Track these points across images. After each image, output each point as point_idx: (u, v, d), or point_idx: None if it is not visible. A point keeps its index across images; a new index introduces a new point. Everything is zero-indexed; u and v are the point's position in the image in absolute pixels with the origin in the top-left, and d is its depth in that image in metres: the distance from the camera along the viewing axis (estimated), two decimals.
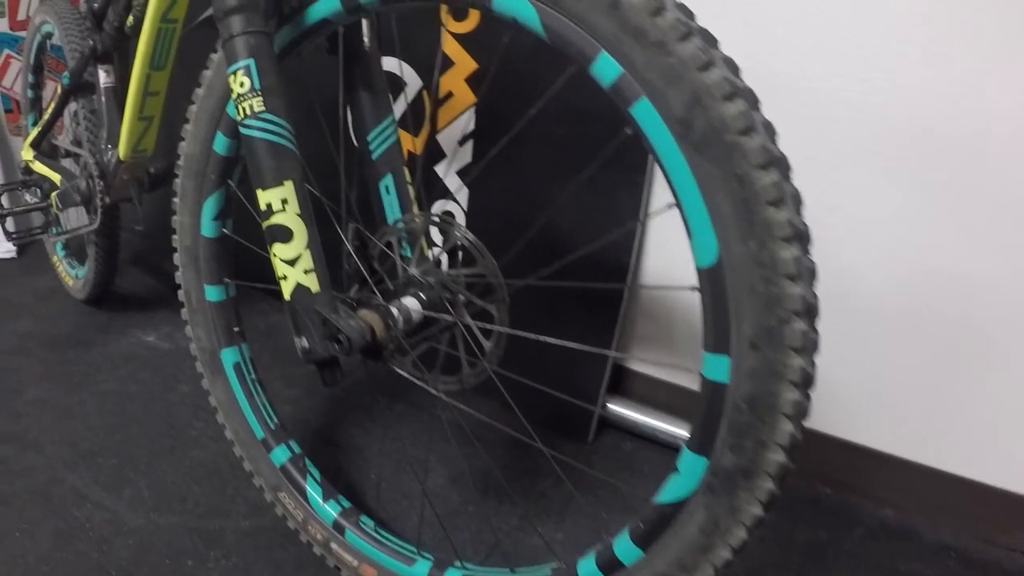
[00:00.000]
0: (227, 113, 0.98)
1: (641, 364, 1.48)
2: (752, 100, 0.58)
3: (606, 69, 0.63)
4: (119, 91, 1.49)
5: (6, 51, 2.29)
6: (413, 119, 1.48)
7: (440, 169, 1.48)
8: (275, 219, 0.82)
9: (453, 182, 1.48)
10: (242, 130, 0.83)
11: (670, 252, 1.37)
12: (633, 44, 0.61)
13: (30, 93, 2.01)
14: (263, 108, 0.81)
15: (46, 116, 1.70)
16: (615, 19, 0.61)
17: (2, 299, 2.01)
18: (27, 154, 1.80)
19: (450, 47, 1.38)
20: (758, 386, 0.60)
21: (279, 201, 0.82)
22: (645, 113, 0.62)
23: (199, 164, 1.04)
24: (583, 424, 1.43)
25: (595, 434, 1.45)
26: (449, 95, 1.41)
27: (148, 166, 1.47)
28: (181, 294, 1.14)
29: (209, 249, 1.08)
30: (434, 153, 1.47)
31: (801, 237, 0.58)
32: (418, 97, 1.46)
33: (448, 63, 1.39)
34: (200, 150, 1.03)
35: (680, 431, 1.40)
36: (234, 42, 0.82)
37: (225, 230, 1.08)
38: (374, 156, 0.97)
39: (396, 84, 1.46)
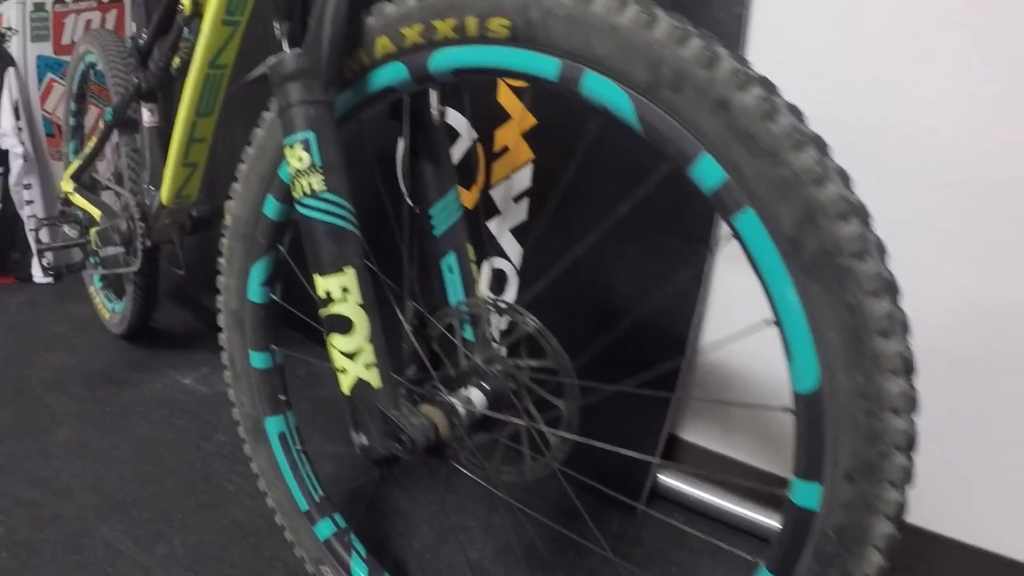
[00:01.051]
0: (279, 176, 0.90)
1: (694, 435, 1.39)
2: (865, 217, 0.52)
3: (708, 173, 0.56)
4: (163, 131, 1.43)
5: (49, 75, 2.24)
6: (465, 172, 1.39)
7: (492, 226, 1.39)
8: (334, 309, 0.74)
9: (506, 240, 1.39)
10: (299, 209, 0.75)
11: (732, 314, 1.27)
12: (741, 150, 0.54)
13: (72, 121, 1.95)
14: (323, 187, 0.73)
15: (87, 150, 1.64)
16: (723, 120, 0.54)
17: (38, 327, 1.96)
18: (67, 185, 1.73)
19: (507, 100, 1.30)
20: (850, 517, 0.55)
21: (339, 290, 0.74)
22: (749, 225, 0.55)
23: (247, 227, 0.96)
24: (633, 495, 1.34)
25: (645, 503, 1.35)
26: (504, 150, 1.33)
27: (191, 210, 1.40)
28: (224, 357, 1.07)
29: (256, 315, 1.00)
30: (487, 209, 1.38)
31: (908, 368, 0.52)
32: (471, 149, 1.38)
33: (505, 116, 1.31)
34: (249, 212, 0.95)
35: (733, 506, 1.31)
36: (292, 112, 0.75)
37: (273, 296, 1.00)
38: (437, 232, 0.89)
39: (449, 134, 1.38)
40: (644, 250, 1.22)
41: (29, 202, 2.20)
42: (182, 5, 1.21)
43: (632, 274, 1.25)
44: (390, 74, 0.76)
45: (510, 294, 1.41)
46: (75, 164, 1.70)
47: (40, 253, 1.61)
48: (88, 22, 2.26)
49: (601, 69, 0.60)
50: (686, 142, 0.56)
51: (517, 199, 1.34)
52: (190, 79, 1.15)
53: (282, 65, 0.75)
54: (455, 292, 0.91)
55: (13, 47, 2.22)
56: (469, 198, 1.41)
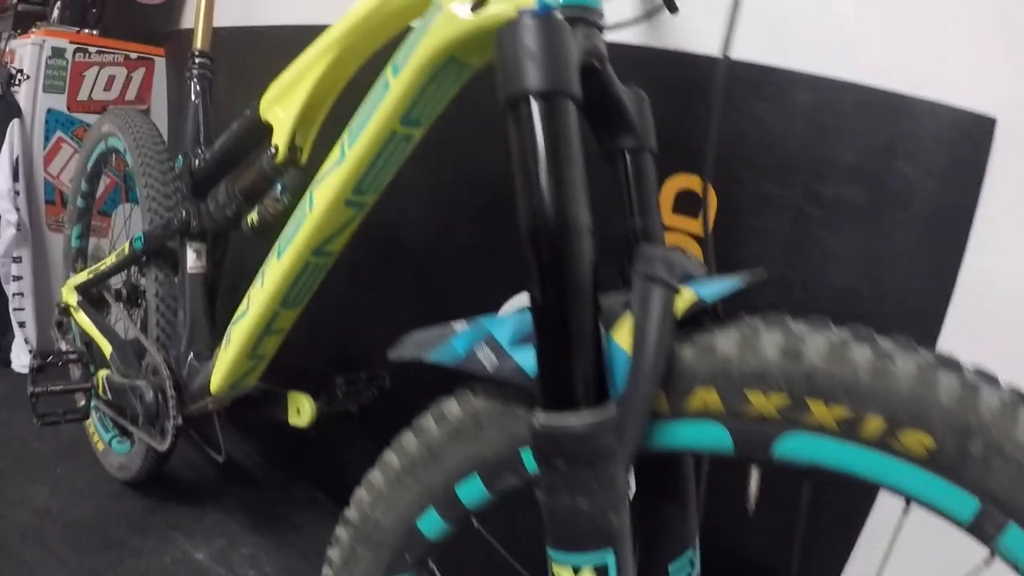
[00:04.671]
0: (456, 495, 0.55)
1: None
2: None
3: None
4: (211, 281, 1.03)
5: (59, 133, 1.80)
6: None
7: None
8: None
9: None
10: None
11: None
12: None
13: (80, 202, 1.53)
14: None
15: (103, 267, 1.22)
16: None
17: (16, 441, 1.52)
18: (70, 297, 1.31)
19: None
20: None
21: None
22: None
23: (387, 537, 0.60)
24: None
25: None
26: None
27: None
28: None
29: None
30: None
31: None
32: None
33: None
34: (393, 522, 0.60)
35: None
36: (581, 520, 0.41)
37: None
38: None
39: None
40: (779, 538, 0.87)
41: (17, 278, 1.75)
42: (273, 148, 0.82)
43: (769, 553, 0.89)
44: (700, 435, 0.45)
45: None
46: (83, 276, 1.28)
47: (34, 398, 1.17)
48: (111, 79, 1.82)
49: None
50: None
51: None
52: (282, 263, 0.77)
53: (566, 439, 0.42)
54: None
55: (22, 95, 1.78)
56: None
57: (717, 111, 0.59)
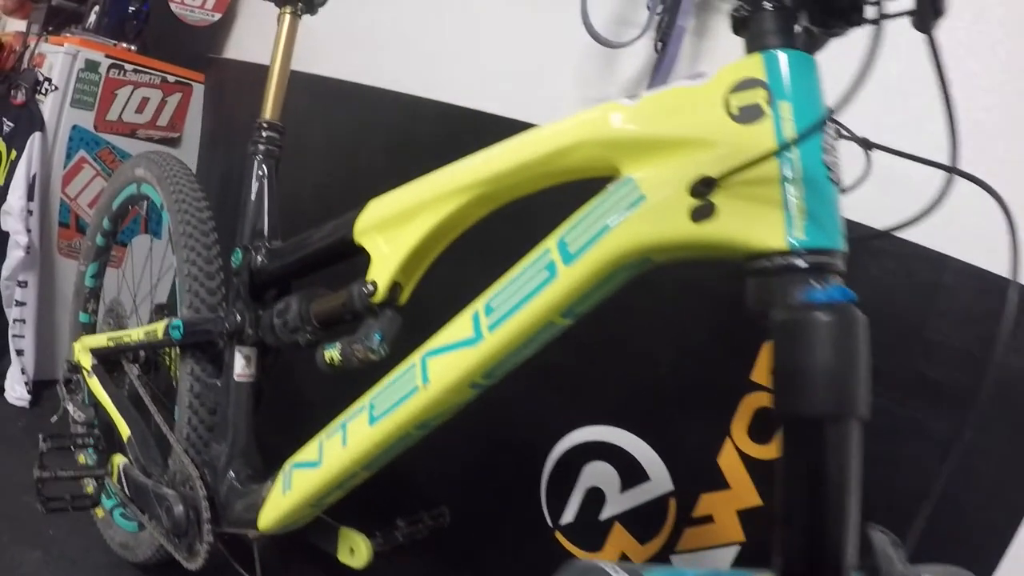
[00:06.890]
0: None
1: None
2: None
3: None
4: (259, 389, 0.88)
5: (82, 152, 1.61)
6: (642, 522, 0.94)
7: None
8: None
9: None
10: None
11: None
12: None
13: (99, 240, 1.35)
14: None
15: (127, 339, 1.05)
16: None
17: (6, 491, 1.33)
18: (84, 358, 1.14)
19: (731, 467, 0.89)
20: None
21: None
22: None
23: None
24: None
25: None
26: (708, 519, 0.92)
27: None
28: None
29: None
30: None
31: None
32: (660, 502, 0.94)
33: (721, 483, 0.90)
34: None
35: None
36: None
37: None
38: None
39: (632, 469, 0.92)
40: None
41: (21, 303, 1.56)
42: (372, 285, 0.67)
43: None
44: None
45: None
46: (102, 339, 1.11)
47: (40, 483, 1.00)
48: (144, 101, 1.64)
49: None
50: None
51: None
52: (375, 431, 0.63)
53: None
54: None
55: (47, 107, 1.59)
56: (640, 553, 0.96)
57: (1002, 343, 0.46)
